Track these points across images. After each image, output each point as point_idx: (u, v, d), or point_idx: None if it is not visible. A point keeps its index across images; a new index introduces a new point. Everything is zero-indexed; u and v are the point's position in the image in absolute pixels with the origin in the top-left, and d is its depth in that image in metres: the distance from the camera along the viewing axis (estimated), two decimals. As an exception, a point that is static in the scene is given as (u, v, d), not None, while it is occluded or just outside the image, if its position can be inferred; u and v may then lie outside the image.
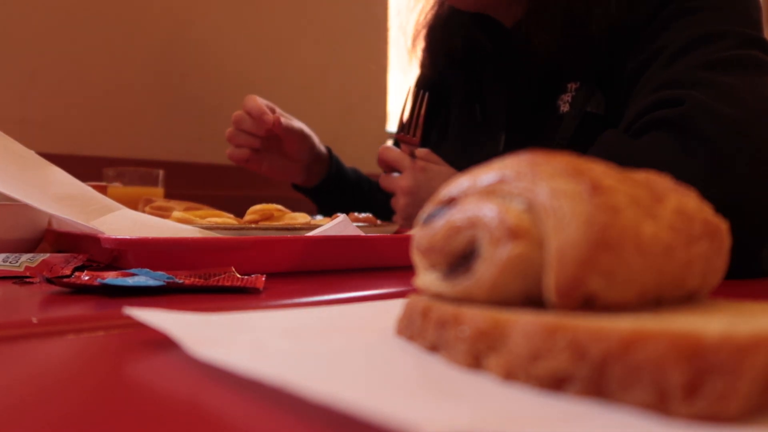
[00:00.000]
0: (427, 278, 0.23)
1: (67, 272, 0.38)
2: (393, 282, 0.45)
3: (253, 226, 0.54)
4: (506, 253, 0.19)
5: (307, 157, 0.91)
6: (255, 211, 0.58)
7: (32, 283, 0.39)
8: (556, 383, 0.16)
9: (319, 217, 0.66)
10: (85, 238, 0.47)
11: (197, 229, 0.50)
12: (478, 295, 0.20)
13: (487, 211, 0.20)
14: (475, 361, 0.18)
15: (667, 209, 0.20)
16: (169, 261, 0.42)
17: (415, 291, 0.24)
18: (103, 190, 0.72)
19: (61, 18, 1.18)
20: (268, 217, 0.59)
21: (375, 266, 0.52)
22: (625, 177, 0.20)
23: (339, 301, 0.36)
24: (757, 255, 0.54)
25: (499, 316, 0.18)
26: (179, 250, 0.43)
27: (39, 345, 0.24)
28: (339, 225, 0.51)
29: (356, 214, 0.69)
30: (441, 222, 0.22)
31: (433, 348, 0.21)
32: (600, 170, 0.19)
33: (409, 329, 0.22)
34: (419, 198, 0.73)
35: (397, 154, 0.77)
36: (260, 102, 0.83)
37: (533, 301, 0.19)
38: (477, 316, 0.19)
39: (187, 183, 1.26)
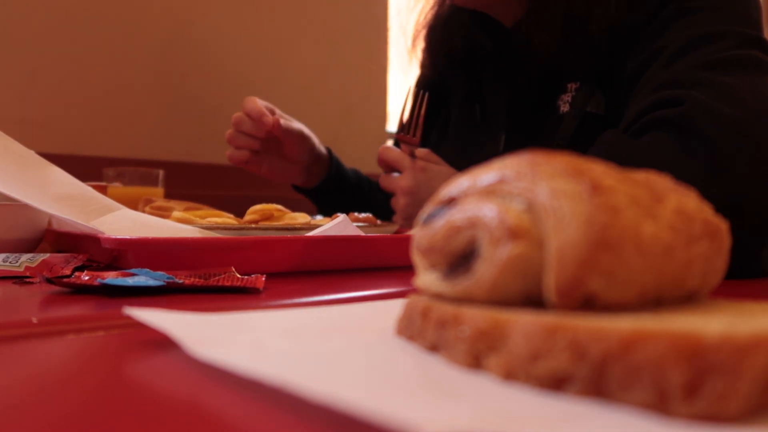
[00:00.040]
0: (427, 278, 0.23)
1: (67, 272, 0.38)
2: (393, 282, 0.45)
3: (253, 226, 0.54)
4: (506, 253, 0.19)
5: (307, 159, 0.91)
6: (255, 211, 0.58)
7: (32, 283, 0.39)
8: (556, 383, 0.16)
9: (319, 217, 0.66)
10: (85, 238, 0.47)
11: (197, 229, 0.50)
12: (478, 295, 0.20)
13: (487, 211, 0.20)
14: (475, 361, 0.18)
15: (667, 209, 0.20)
16: (169, 261, 0.42)
17: (415, 291, 0.24)
18: (103, 190, 0.72)
19: (61, 18, 1.18)
20: (268, 217, 0.59)
21: (375, 266, 0.52)
22: (625, 177, 0.20)
23: (339, 301, 0.36)
24: (757, 255, 0.54)
25: (499, 316, 0.18)
26: (179, 250, 0.43)
27: (39, 345, 0.24)
28: (339, 225, 0.51)
29: (356, 214, 0.69)
30: (441, 222, 0.22)
31: (433, 348, 0.21)
32: (600, 170, 0.19)
33: (409, 329, 0.22)
34: (419, 198, 0.73)
35: (397, 154, 0.77)
36: (260, 104, 0.83)
37: (533, 301, 0.19)
38: (477, 316, 0.19)
39: (187, 183, 1.26)
